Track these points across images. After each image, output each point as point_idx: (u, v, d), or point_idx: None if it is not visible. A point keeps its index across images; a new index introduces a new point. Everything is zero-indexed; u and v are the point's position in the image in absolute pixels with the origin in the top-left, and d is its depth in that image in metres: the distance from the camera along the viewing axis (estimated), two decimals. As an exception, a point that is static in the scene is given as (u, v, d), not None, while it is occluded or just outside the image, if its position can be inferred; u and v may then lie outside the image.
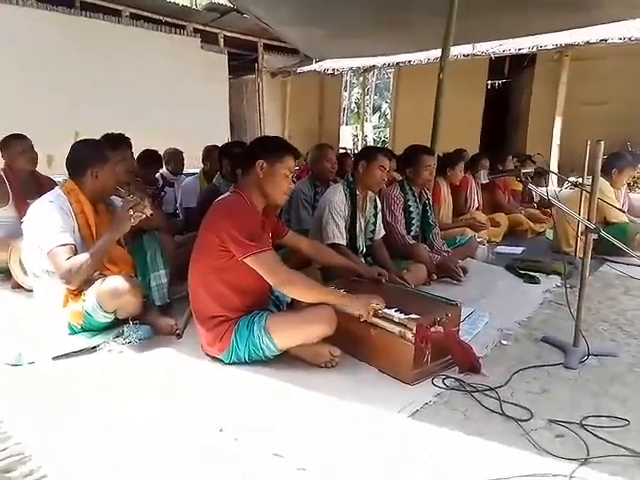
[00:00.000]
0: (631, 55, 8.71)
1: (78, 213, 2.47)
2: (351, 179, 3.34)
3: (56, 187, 2.57)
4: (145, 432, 1.75)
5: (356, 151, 13.08)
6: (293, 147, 2.42)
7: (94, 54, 8.58)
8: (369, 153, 3.35)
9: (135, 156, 3.97)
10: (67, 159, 2.57)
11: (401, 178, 4.01)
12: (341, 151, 11.36)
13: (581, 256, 4.07)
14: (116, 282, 2.33)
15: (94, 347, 2.35)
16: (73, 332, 2.43)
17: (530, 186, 2.55)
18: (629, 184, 6.04)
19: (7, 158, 3.53)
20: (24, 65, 7.72)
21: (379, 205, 3.53)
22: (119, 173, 2.75)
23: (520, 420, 1.86)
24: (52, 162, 6.75)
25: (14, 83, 7.54)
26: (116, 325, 2.46)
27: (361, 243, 3.40)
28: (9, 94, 7.37)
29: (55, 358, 2.23)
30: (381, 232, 3.54)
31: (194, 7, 12.06)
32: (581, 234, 4.05)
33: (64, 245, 2.35)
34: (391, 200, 3.76)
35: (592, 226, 2.33)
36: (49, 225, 2.37)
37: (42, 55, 7.94)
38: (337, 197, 3.23)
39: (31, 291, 3.03)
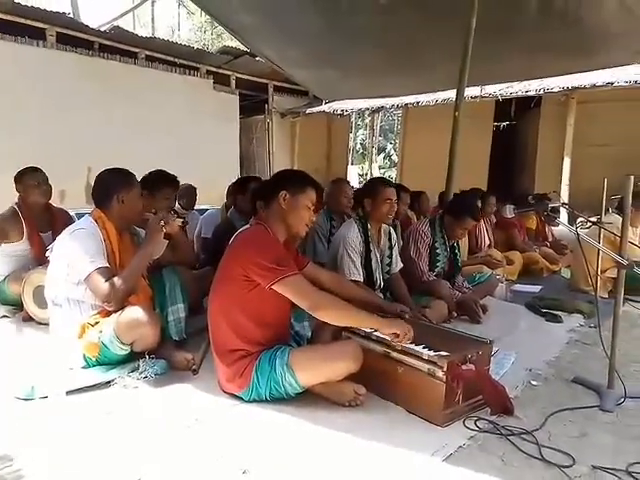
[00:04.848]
0: (633, 100, 8.87)
1: (105, 240, 2.45)
2: (362, 214, 3.27)
3: (85, 215, 2.56)
4: (167, 474, 1.65)
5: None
6: (315, 180, 2.40)
7: (110, 93, 8.76)
8: (373, 188, 3.23)
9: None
10: (93, 189, 2.58)
11: (433, 216, 3.88)
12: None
13: (602, 295, 4.06)
14: (135, 313, 2.27)
15: (109, 382, 2.26)
16: (88, 365, 2.35)
17: (558, 221, 2.50)
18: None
19: (22, 191, 3.48)
20: (43, 103, 7.87)
21: (394, 237, 3.45)
22: (161, 210, 2.78)
23: (562, 466, 1.75)
24: (64, 197, 6.82)
25: (32, 120, 7.68)
26: (131, 359, 2.38)
27: (378, 277, 3.31)
28: (26, 131, 7.49)
29: (69, 393, 2.13)
30: (398, 264, 3.44)
31: (207, 50, 12.44)
32: (601, 272, 4.01)
33: (102, 268, 2.34)
34: (418, 235, 3.66)
35: (625, 262, 2.26)
36: (84, 250, 2.35)
37: (60, 93, 8.10)
38: (351, 233, 3.17)
39: (42, 324, 2.98)
